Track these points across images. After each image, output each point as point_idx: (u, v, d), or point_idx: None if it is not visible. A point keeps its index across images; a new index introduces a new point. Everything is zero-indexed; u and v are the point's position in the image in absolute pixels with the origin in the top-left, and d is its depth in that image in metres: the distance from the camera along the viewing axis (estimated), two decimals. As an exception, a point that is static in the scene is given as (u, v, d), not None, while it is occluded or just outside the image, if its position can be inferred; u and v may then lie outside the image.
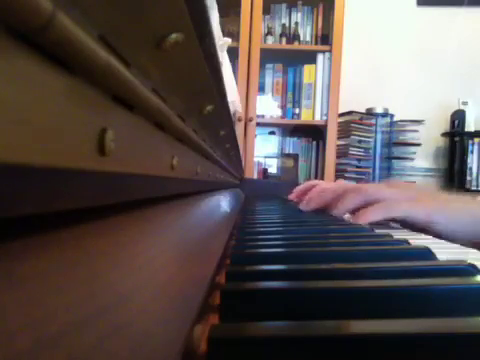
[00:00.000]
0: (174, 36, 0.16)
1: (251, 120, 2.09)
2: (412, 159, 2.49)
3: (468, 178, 2.42)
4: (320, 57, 2.15)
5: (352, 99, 2.34)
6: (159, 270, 0.17)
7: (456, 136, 2.46)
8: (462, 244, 0.42)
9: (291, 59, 2.21)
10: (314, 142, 2.30)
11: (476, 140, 2.44)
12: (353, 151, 2.36)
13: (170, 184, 0.27)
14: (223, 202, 0.63)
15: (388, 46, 2.54)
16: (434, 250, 0.32)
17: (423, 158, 2.55)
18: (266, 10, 2.18)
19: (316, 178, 2.25)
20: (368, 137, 2.38)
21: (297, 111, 2.22)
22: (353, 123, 2.35)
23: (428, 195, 0.62)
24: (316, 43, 2.21)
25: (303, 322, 0.17)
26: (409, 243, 0.36)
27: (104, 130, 0.13)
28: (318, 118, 2.17)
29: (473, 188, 2.42)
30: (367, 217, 0.56)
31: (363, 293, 0.21)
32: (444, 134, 2.53)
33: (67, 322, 0.09)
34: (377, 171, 2.40)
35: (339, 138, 2.24)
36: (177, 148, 0.27)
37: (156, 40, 0.16)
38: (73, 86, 0.11)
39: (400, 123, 2.46)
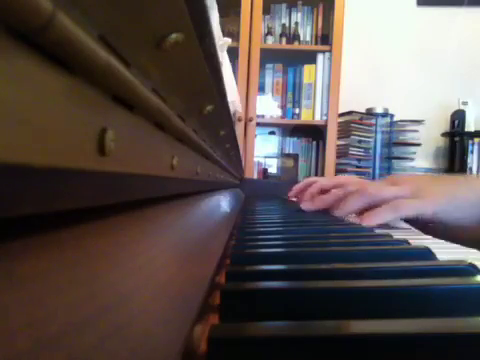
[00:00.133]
0: (174, 36, 0.16)
1: (251, 120, 2.09)
2: (412, 159, 2.49)
3: (468, 178, 2.42)
4: (320, 57, 2.15)
5: (352, 99, 2.34)
6: (159, 270, 0.17)
7: (456, 136, 2.46)
8: (467, 229, 0.43)
9: (291, 59, 2.21)
10: (314, 142, 2.30)
11: (476, 140, 2.44)
12: (353, 151, 2.36)
13: (170, 184, 0.27)
14: (223, 202, 0.63)
15: (388, 46, 2.54)
16: (434, 250, 0.32)
17: (423, 158, 2.55)
18: (266, 10, 2.18)
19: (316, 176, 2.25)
20: (368, 137, 2.38)
21: (297, 111, 2.22)
22: (353, 123, 2.35)
23: (431, 186, 0.60)
24: (316, 43, 2.21)
25: (303, 322, 0.17)
26: (409, 243, 0.36)
27: (104, 130, 0.13)
28: (318, 118, 2.17)
29: (473, 188, 2.41)
30: (374, 220, 0.55)
31: (363, 293, 0.21)
32: (444, 134, 2.53)
33: (67, 322, 0.09)
34: (377, 171, 2.40)
35: (339, 138, 2.24)
36: (177, 148, 0.27)
37: (156, 40, 0.16)
38: (73, 86, 0.11)
39: (400, 123, 2.46)
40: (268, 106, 2.23)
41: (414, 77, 2.53)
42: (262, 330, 0.17)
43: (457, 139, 2.46)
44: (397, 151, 2.47)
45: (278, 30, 2.24)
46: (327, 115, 2.12)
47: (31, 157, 0.09)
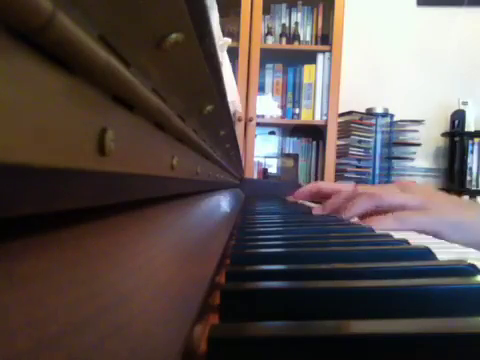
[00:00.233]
0: (174, 36, 0.16)
1: (251, 120, 2.09)
2: (412, 159, 2.49)
3: (468, 178, 2.42)
4: (320, 57, 2.15)
5: (352, 99, 2.34)
6: (159, 270, 0.17)
7: (456, 136, 2.46)
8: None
9: (291, 59, 2.21)
10: (314, 142, 2.30)
11: (476, 140, 2.44)
12: (353, 151, 2.36)
13: (170, 184, 0.27)
14: (223, 202, 0.63)
15: (388, 46, 2.54)
16: (434, 250, 0.32)
17: (423, 158, 2.55)
18: (266, 10, 2.18)
19: (316, 178, 2.25)
20: (368, 137, 2.38)
21: (297, 111, 2.22)
22: (353, 123, 2.35)
23: (441, 202, 0.58)
24: (316, 43, 2.21)
25: (303, 322, 0.17)
26: (409, 243, 0.36)
27: (104, 130, 0.13)
28: (318, 118, 2.17)
29: (473, 188, 2.42)
30: (377, 227, 0.54)
31: (363, 293, 0.21)
32: (444, 134, 2.53)
33: (67, 322, 0.09)
34: (377, 171, 2.40)
35: (339, 138, 2.24)
36: (177, 148, 0.27)
37: (156, 40, 0.16)
38: (73, 86, 0.11)
39: (400, 123, 2.46)
40: (268, 106, 2.23)
41: (414, 77, 2.53)
42: (262, 330, 0.17)
43: (457, 139, 2.46)
44: (397, 151, 2.47)
45: (278, 30, 2.24)
46: (327, 115, 2.12)
47: (31, 157, 0.09)
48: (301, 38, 2.22)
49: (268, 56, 2.14)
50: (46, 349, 0.08)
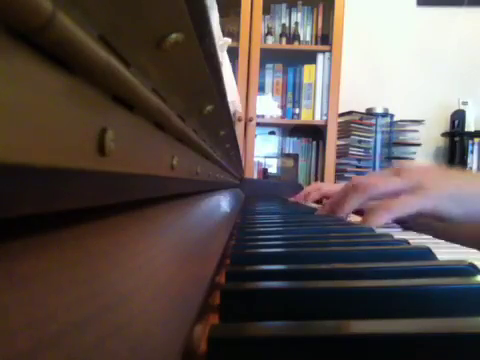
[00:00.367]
0: (174, 36, 0.16)
1: (251, 120, 2.09)
2: (412, 159, 2.49)
3: (468, 178, 2.42)
4: (320, 57, 2.15)
5: (352, 99, 2.34)
6: (159, 270, 0.17)
7: (456, 136, 2.46)
8: (467, 228, 0.42)
9: (291, 59, 2.21)
10: (314, 142, 2.30)
11: (476, 140, 2.44)
12: (353, 151, 2.35)
13: (170, 184, 0.27)
14: (223, 202, 0.63)
15: (388, 46, 2.54)
16: (434, 250, 0.32)
17: (423, 158, 2.55)
18: (266, 10, 2.18)
19: (316, 178, 2.25)
20: (368, 137, 2.38)
21: (297, 111, 2.22)
22: (353, 123, 2.34)
23: (436, 178, 0.55)
24: (316, 43, 2.21)
25: (303, 322, 0.17)
26: (409, 243, 0.36)
27: (104, 130, 0.13)
28: (318, 118, 2.17)
29: (473, 188, 2.41)
30: (375, 222, 0.52)
31: (363, 293, 0.21)
32: (444, 134, 2.53)
33: (67, 322, 0.09)
34: (377, 171, 2.40)
35: (339, 138, 2.24)
36: (177, 148, 0.27)
37: (156, 40, 0.16)
38: (73, 86, 0.11)
39: (400, 123, 2.46)
40: (268, 106, 2.23)
41: (414, 77, 2.53)
42: (262, 330, 0.17)
43: (457, 139, 2.46)
44: (397, 151, 2.47)
45: (278, 30, 2.24)
46: (327, 115, 2.12)
47: (31, 157, 0.09)
48: (301, 38, 2.22)
49: (268, 56, 2.14)
50: (46, 349, 0.08)
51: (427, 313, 0.20)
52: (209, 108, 0.30)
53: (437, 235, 0.48)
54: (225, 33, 1.89)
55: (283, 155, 2.35)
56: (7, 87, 0.08)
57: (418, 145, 2.47)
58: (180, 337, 0.14)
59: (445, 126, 2.52)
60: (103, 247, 0.14)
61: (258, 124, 2.15)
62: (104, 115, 0.14)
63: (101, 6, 0.11)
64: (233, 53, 1.86)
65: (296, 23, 2.23)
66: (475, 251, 0.39)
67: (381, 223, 0.53)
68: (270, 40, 2.19)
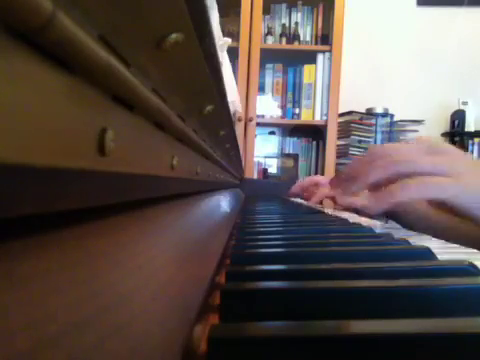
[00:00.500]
0: (174, 36, 0.16)
1: (251, 120, 2.09)
2: (412, 159, 2.49)
3: (468, 178, 2.42)
4: (320, 57, 2.15)
5: (352, 99, 2.34)
6: (159, 270, 0.17)
7: (456, 136, 2.46)
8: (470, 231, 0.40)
9: (291, 59, 2.21)
10: (314, 142, 2.30)
11: (476, 140, 2.44)
12: (353, 151, 2.35)
13: (170, 184, 0.27)
14: (223, 202, 0.63)
15: (388, 46, 2.54)
16: (434, 250, 0.32)
17: (423, 158, 2.55)
18: (266, 10, 2.18)
19: (316, 178, 2.25)
20: (368, 137, 2.38)
21: (297, 111, 2.22)
22: (353, 123, 2.34)
23: (472, 168, 0.48)
24: (316, 43, 2.21)
25: (303, 322, 0.17)
26: (409, 243, 0.36)
27: (104, 130, 0.13)
28: (318, 118, 2.17)
29: (473, 188, 2.41)
30: (395, 195, 0.44)
31: (363, 293, 0.21)
32: (444, 134, 2.53)
33: (67, 322, 0.09)
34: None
35: (339, 138, 2.24)
36: (177, 148, 0.27)
37: (156, 40, 0.16)
38: (73, 86, 0.11)
39: (400, 123, 2.46)
40: (268, 106, 2.23)
41: (414, 77, 2.53)
42: (262, 330, 0.17)
43: (457, 139, 2.46)
44: (397, 151, 2.47)
45: (278, 30, 2.24)
46: (327, 115, 2.12)
47: (31, 157, 0.09)
48: (301, 38, 2.22)
49: (268, 56, 2.14)
50: (46, 349, 0.08)
51: (427, 313, 0.20)
52: (209, 108, 0.30)
53: (436, 235, 0.47)
54: (225, 33, 1.89)
55: (283, 155, 2.35)
56: (7, 87, 0.08)
57: (418, 145, 2.47)
58: (180, 337, 0.14)
59: (445, 126, 2.52)
60: (103, 247, 0.14)
61: (258, 124, 2.15)
62: (104, 115, 0.14)
63: (101, 6, 0.11)
64: (233, 53, 1.86)
65: (296, 23, 2.23)
66: (475, 251, 0.38)
67: (400, 200, 0.44)
68: (270, 40, 2.19)
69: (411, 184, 0.43)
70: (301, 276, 0.25)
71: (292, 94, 2.23)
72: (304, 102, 2.20)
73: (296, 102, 2.22)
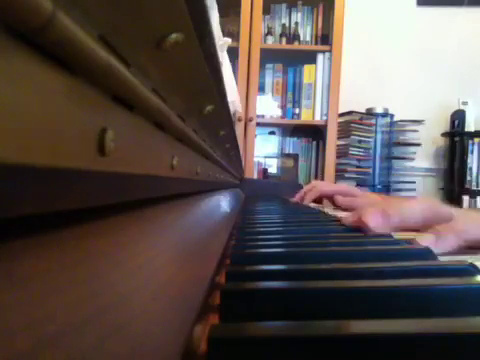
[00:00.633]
0: (174, 36, 0.16)
1: (251, 120, 2.08)
2: (412, 159, 2.49)
3: (468, 178, 2.42)
4: (320, 57, 2.15)
5: (352, 99, 2.34)
6: (159, 270, 0.17)
7: (456, 136, 2.46)
8: None
9: (291, 59, 2.21)
10: (314, 142, 2.30)
11: (476, 140, 2.44)
12: (353, 151, 2.36)
13: (170, 184, 0.27)
14: (223, 202, 0.63)
15: (388, 46, 2.54)
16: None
17: (423, 158, 2.55)
18: (266, 10, 2.18)
19: (316, 178, 2.25)
20: (368, 137, 2.38)
21: (297, 111, 2.22)
22: (353, 123, 2.35)
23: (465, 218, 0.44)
24: (316, 43, 2.21)
25: (303, 322, 0.17)
26: (410, 243, 0.36)
27: (104, 130, 0.13)
28: (318, 118, 2.17)
29: (473, 188, 2.42)
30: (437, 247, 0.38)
31: (363, 293, 0.21)
32: (444, 134, 2.53)
33: (67, 322, 0.09)
34: (377, 171, 2.40)
35: (339, 138, 2.24)
36: (177, 148, 0.27)
37: (156, 40, 0.16)
38: (73, 86, 0.11)
39: (400, 123, 2.46)
40: (268, 106, 2.23)
41: (414, 77, 2.53)
42: (262, 330, 0.17)
43: (457, 139, 2.46)
44: (397, 151, 2.47)
45: (278, 30, 2.23)
46: (327, 115, 2.12)
47: (31, 157, 0.09)
48: (301, 38, 2.22)
49: (268, 56, 2.14)
50: (46, 349, 0.08)
51: (427, 313, 0.20)
52: (209, 108, 0.30)
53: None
54: (225, 33, 1.89)
55: (283, 155, 2.35)
56: (7, 87, 0.08)
57: (418, 145, 2.47)
58: (180, 337, 0.14)
59: (445, 126, 2.52)
60: (103, 247, 0.14)
61: (258, 124, 2.15)
62: (104, 115, 0.14)
63: (101, 6, 0.11)
64: (233, 53, 1.86)
65: (296, 23, 2.23)
66: (475, 251, 0.38)
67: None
68: (270, 40, 2.19)
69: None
70: (301, 276, 0.25)
71: (292, 94, 2.23)
72: (304, 102, 2.20)
73: (296, 102, 2.22)
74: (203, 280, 0.22)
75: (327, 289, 0.21)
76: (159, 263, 0.18)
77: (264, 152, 2.37)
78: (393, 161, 2.48)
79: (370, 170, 2.40)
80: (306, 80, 2.20)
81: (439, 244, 0.36)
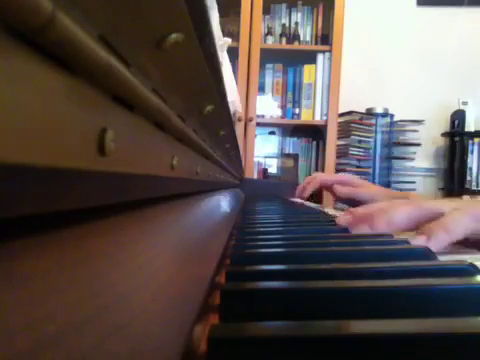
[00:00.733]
0: (174, 36, 0.16)
1: (251, 120, 2.08)
2: (412, 159, 2.49)
3: (468, 178, 2.42)
4: (320, 57, 2.15)
5: (352, 99, 2.34)
6: (159, 270, 0.17)
7: (456, 136, 2.46)
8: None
9: (291, 59, 2.21)
10: (314, 142, 2.30)
11: (476, 140, 2.44)
12: (353, 151, 2.36)
13: (170, 184, 0.27)
14: (223, 202, 0.63)
15: (388, 46, 2.54)
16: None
17: (423, 158, 2.55)
18: (266, 10, 2.18)
19: (316, 178, 2.25)
20: (368, 137, 2.38)
21: (297, 111, 2.22)
22: (353, 123, 2.35)
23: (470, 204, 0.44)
24: (316, 43, 2.21)
25: (303, 322, 0.17)
26: (409, 243, 0.36)
27: (104, 130, 0.13)
28: (318, 118, 2.17)
29: (473, 188, 2.42)
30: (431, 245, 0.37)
31: (363, 293, 0.21)
32: (444, 134, 2.53)
33: (67, 322, 0.09)
34: (377, 171, 2.40)
35: (339, 138, 2.24)
36: (177, 148, 0.27)
37: (156, 40, 0.16)
38: (73, 86, 0.11)
39: (400, 123, 2.46)
40: (268, 106, 2.23)
41: (414, 77, 2.53)
42: (262, 330, 0.17)
43: (457, 139, 2.46)
44: (397, 151, 2.47)
45: (278, 30, 2.23)
46: (327, 115, 2.12)
47: (31, 157, 0.09)
48: (301, 38, 2.21)
49: (268, 56, 2.14)
50: (46, 349, 0.08)
51: (427, 313, 0.20)
52: (209, 108, 0.30)
53: None
54: (225, 33, 1.89)
55: (283, 155, 2.35)
56: (7, 87, 0.08)
57: (418, 145, 2.47)
58: (180, 337, 0.14)
59: (445, 126, 2.52)
60: (103, 247, 0.14)
61: (258, 124, 2.15)
62: (104, 115, 0.14)
63: (101, 6, 0.11)
64: (233, 53, 1.86)
65: (296, 23, 2.23)
66: (475, 251, 0.38)
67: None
68: (270, 40, 2.19)
69: (436, 233, 0.40)
70: (301, 276, 0.25)
71: (292, 94, 2.23)
72: (304, 102, 2.20)
73: (296, 102, 2.22)
74: (203, 280, 0.22)
75: (327, 289, 0.21)
76: (159, 263, 0.18)
77: (264, 152, 2.37)
78: (393, 161, 2.48)
79: (370, 170, 2.40)
80: (306, 80, 2.20)
81: (431, 244, 0.37)
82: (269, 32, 2.20)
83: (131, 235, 0.17)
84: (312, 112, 2.18)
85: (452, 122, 2.47)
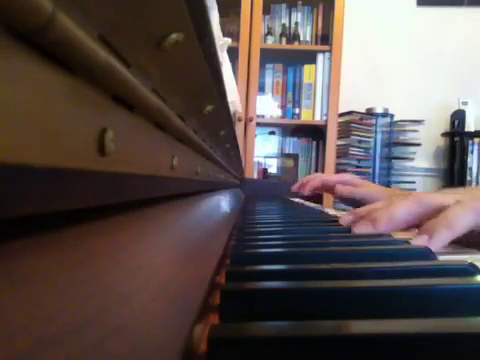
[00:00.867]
0: (174, 36, 0.16)
1: (251, 120, 2.09)
2: (412, 159, 2.49)
3: (468, 178, 2.42)
4: (320, 57, 2.15)
5: (352, 99, 2.34)
6: (159, 270, 0.17)
7: (456, 136, 2.46)
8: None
9: (291, 59, 2.21)
10: (314, 142, 2.30)
11: (476, 140, 2.44)
12: (353, 151, 2.36)
13: (170, 184, 0.27)
14: (223, 202, 0.63)
15: (388, 46, 2.54)
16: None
17: (423, 158, 2.55)
18: (266, 10, 2.18)
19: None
20: (368, 137, 2.38)
21: (297, 111, 2.22)
22: (353, 123, 2.35)
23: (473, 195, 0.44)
24: (316, 43, 2.21)
25: (303, 322, 0.17)
26: (409, 243, 0.36)
27: (104, 130, 0.13)
28: (318, 118, 2.17)
29: (473, 188, 2.41)
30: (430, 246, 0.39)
31: (363, 293, 0.21)
32: (444, 134, 2.53)
33: (67, 322, 0.09)
34: (377, 171, 2.40)
35: (339, 138, 2.24)
36: (177, 148, 0.27)
37: (156, 40, 0.16)
38: (73, 86, 0.11)
39: (400, 123, 2.46)
40: (268, 106, 2.23)
41: (414, 77, 2.53)
42: (262, 330, 0.17)
43: (457, 139, 2.46)
44: (397, 151, 2.47)
45: (278, 30, 2.24)
46: (327, 115, 2.12)
47: (31, 157, 0.09)
48: (301, 38, 2.22)
49: (268, 56, 2.14)
50: (46, 349, 0.08)
51: (427, 313, 0.20)
52: (209, 108, 0.30)
53: None
54: (225, 33, 1.89)
55: (283, 155, 2.35)
56: (7, 87, 0.08)
57: (418, 145, 2.47)
58: (180, 337, 0.14)
59: (445, 126, 2.52)
60: (103, 247, 0.14)
61: (258, 124, 2.15)
62: (104, 115, 0.14)
63: (101, 6, 0.11)
64: (233, 53, 1.86)
65: (296, 23, 2.23)
66: (475, 251, 0.38)
67: (437, 248, 0.37)
68: (270, 40, 2.19)
69: (439, 228, 0.39)
70: (301, 276, 0.25)
71: (292, 94, 2.23)
72: (304, 102, 2.20)
73: (296, 102, 2.22)
74: (203, 280, 0.22)
75: (327, 289, 0.21)
76: (159, 263, 0.18)
77: (264, 152, 2.37)
78: (393, 161, 2.48)
79: (370, 170, 2.40)
80: (306, 80, 2.20)
81: (433, 242, 0.37)
82: (269, 32, 2.20)
83: (131, 235, 0.17)
84: (312, 112, 2.18)
85: (452, 122, 2.47)
